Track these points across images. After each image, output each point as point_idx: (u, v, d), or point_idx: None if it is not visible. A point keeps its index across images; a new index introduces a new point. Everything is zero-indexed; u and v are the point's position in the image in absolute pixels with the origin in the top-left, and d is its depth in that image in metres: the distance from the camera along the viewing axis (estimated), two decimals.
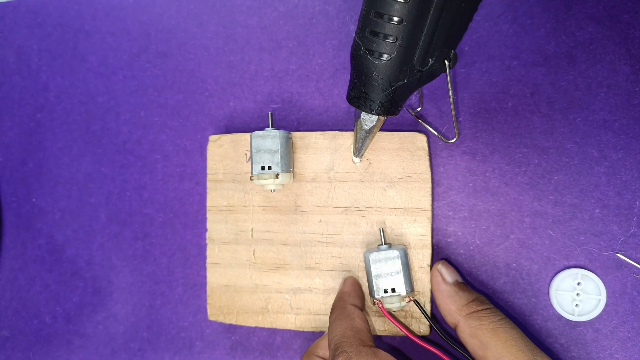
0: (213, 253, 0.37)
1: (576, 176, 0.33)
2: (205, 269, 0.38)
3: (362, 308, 0.33)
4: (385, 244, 0.33)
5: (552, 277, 0.33)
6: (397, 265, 0.32)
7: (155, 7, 0.41)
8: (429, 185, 0.34)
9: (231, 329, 0.38)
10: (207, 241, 0.37)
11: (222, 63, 0.39)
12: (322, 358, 0.31)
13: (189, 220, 0.39)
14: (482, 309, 0.30)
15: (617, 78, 0.33)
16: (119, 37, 0.42)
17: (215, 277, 0.37)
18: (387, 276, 0.32)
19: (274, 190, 0.35)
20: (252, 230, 0.36)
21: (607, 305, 0.32)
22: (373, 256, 0.32)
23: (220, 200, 0.37)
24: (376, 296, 0.32)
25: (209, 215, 0.37)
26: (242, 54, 0.39)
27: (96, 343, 0.40)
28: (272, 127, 0.35)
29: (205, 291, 0.39)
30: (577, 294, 0.32)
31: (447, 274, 0.32)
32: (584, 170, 0.33)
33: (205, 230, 0.38)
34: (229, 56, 0.39)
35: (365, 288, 0.34)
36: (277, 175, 0.34)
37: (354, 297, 0.33)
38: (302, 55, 0.38)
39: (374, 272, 0.32)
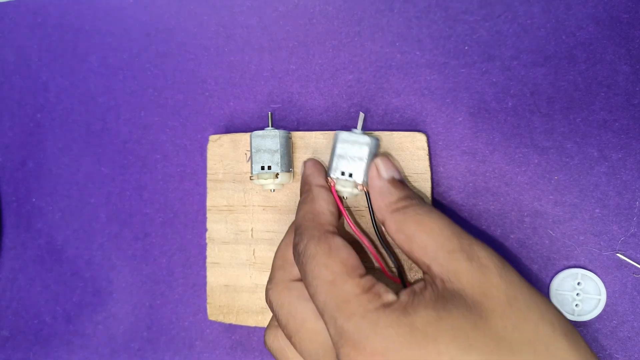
0: (213, 253, 0.37)
1: (576, 176, 0.33)
2: (205, 269, 0.38)
3: (326, 186, 0.31)
4: (360, 130, 0.32)
5: (552, 277, 0.33)
6: (364, 152, 0.31)
7: (155, 7, 0.41)
8: (429, 185, 0.34)
9: (231, 328, 0.38)
10: (207, 241, 0.37)
11: (222, 63, 0.40)
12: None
13: (189, 220, 0.39)
14: (410, 204, 0.28)
15: (617, 78, 0.33)
16: (119, 37, 0.42)
17: (215, 276, 0.37)
18: (349, 160, 0.31)
19: (273, 190, 0.35)
20: (252, 230, 0.36)
21: (607, 305, 0.32)
22: (343, 135, 0.31)
23: (220, 200, 0.37)
24: (332, 175, 0.31)
25: (208, 215, 0.37)
26: (242, 54, 0.39)
27: (96, 343, 0.40)
28: (272, 126, 0.35)
29: (205, 291, 0.39)
30: (577, 294, 0.32)
31: (384, 169, 0.30)
32: (584, 170, 0.33)
33: (206, 230, 0.38)
34: (229, 56, 0.39)
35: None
36: (276, 175, 0.34)
37: (318, 177, 0.32)
38: (302, 56, 0.38)
39: (337, 151, 0.31)
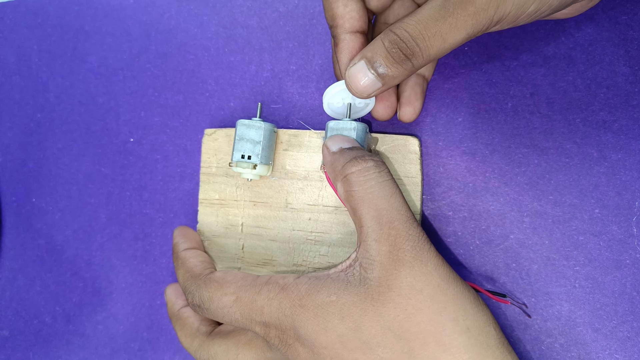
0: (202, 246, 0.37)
1: (576, 176, 0.33)
2: None
3: (197, 247, 0.36)
4: (349, 118, 0.33)
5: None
6: (352, 136, 0.32)
7: (155, 8, 0.41)
8: (419, 188, 0.34)
9: None
10: (197, 233, 0.37)
11: (222, 63, 0.40)
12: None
13: (189, 220, 0.39)
14: (356, 171, 0.28)
15: (616, 79, 0.33)
16: (119, 37, 0.42)
17: None
18: None
19: (250, 180, 0.36)
20: (242, 224, 0.37)
21: (606, 305, 0.32)
22: (332, 124, 0.33)
23: (212, 194, 0.37)
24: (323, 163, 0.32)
25: (200, 208, 0.37)
26: (242, 55, 0.39)
27: (96, 343, 0.40)
28: (259, 117, 0.35)
29: None
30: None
31: (332, 144, 0.31)
32: (584, 171, 0.33)
33: None
34: (229, 56, 0.39)
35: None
36: (255, 166, 0.34)
37: (183, 242, 0.35)
38: (302, 56, 0.38)
39: None
